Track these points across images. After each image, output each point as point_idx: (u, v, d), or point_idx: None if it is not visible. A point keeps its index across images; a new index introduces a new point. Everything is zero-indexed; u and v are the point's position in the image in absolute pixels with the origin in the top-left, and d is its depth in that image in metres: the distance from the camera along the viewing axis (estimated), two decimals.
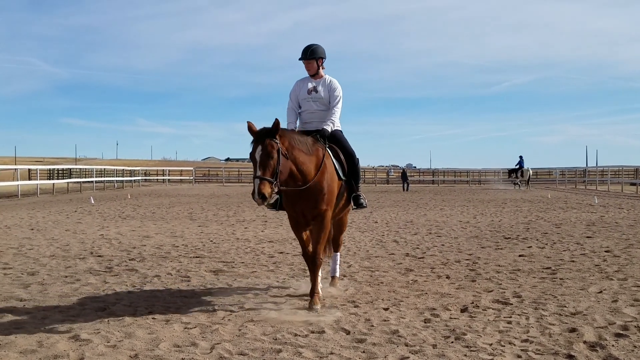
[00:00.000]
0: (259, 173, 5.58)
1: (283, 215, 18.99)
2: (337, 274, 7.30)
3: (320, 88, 6.77)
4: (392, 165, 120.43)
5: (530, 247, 10.65)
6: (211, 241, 11.43)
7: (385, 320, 5.62)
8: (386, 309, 6.07)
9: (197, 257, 9.60)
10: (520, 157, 43.24)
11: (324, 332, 5.20)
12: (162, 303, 6.36)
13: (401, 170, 49.25)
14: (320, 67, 6.81)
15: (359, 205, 6.72)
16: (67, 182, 38.18)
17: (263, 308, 6.08)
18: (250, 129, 5.81)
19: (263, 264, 8.83)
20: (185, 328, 5.34)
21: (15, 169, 34.02)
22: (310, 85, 6.79)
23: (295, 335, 5.12)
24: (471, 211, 19.41)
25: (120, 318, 5.69)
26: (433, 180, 57.15)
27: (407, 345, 4.84)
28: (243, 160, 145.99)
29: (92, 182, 41.26)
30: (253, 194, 5.56)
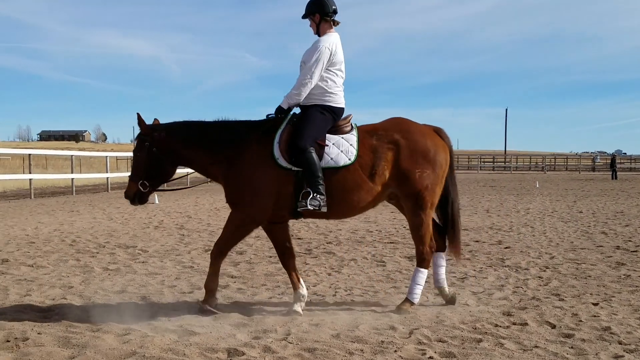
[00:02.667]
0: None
1: (478, 203, 18.43)
2: (414, 299, 5.43)
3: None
4: (599, 152, 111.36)
5: None
6: (404, 227, 11.46)
7: (594, 316, 5.21)
8: (595, 304, 5.62)
9: (391, 242, 9.70)
10: None
11: (526, 324, 4.96)
12: (360, 287, 6.51)
13: (610, 157, 45.25)
14: (319, 25, 5.35)
15: (301, 204, 5.01)
16: None
17: (458, 296, 5.94)
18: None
19: None
20: (382, 311, 5.42)
21: None
22: None
23: (496, 325, 4.94)
24: None
25: (322, 298, 5.95)
26: None
27: (620, 344, 4.45)
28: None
29: None
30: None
